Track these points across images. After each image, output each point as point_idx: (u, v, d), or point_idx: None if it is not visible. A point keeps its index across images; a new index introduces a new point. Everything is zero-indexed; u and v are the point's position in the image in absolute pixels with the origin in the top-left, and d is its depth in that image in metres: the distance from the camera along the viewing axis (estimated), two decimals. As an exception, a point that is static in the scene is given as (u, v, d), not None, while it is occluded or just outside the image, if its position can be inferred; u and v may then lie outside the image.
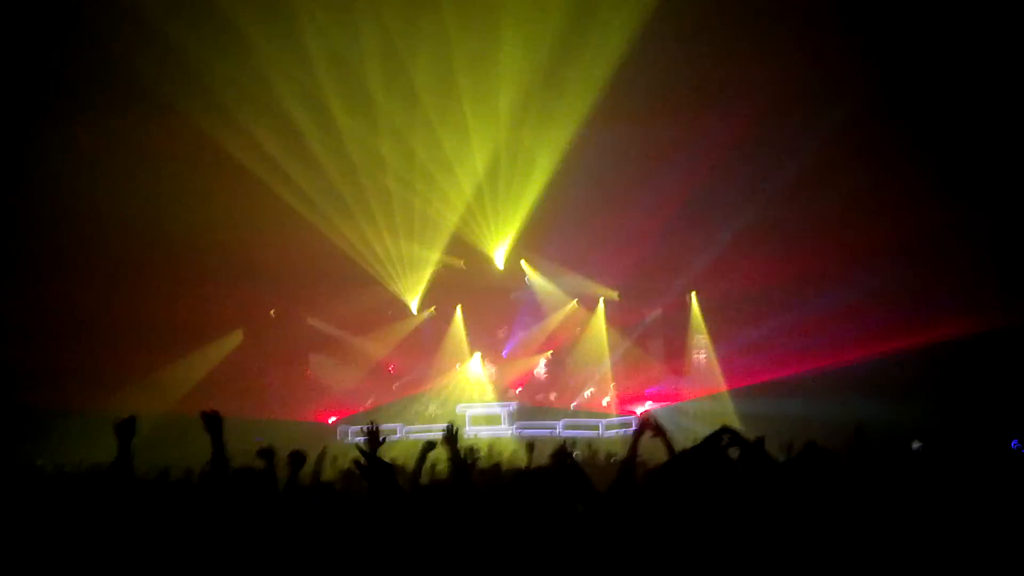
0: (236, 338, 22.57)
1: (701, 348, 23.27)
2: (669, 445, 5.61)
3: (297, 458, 5.61)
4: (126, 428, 4.74)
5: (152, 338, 19.34)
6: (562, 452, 5.65)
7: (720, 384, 21.97)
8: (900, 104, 16.34)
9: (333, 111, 16.86)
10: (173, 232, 18.41)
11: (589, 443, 13.47)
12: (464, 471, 5.03)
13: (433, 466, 6.58)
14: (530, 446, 8.06)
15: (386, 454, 5.25)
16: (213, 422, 4.90)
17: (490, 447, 13.85)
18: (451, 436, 5.19)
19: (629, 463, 5.65)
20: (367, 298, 23.22)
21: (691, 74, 16.22)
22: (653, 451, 5.97)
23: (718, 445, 4.99)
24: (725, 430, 5.02)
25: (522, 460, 8.55)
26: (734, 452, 5.05)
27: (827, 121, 16.46)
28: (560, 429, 21.12)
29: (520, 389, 24.15)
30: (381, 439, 5.15)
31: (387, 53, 15.80)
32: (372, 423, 5.24)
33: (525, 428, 21.60)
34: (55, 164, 16.45)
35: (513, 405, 22.95)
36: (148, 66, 14.58)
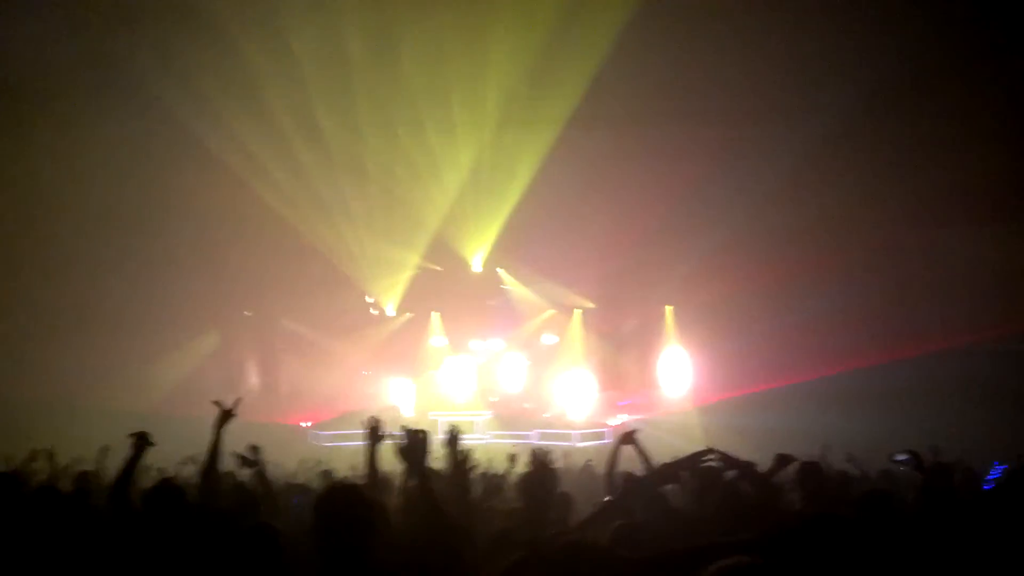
0: (212, 339, 22.46)
1: (675, 361, 23.37)
2: (646, 458, 5.69)
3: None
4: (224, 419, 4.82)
5: (131, 335, 19.30)
6: (541, 457, 5.70)
7: (692, 398, 22.08)
8: (885, 111, 16.39)
9: (315, 108, 16.75)
10: (151, 228, 18.35)
11: (565, 453, 13.49)
12: (464, 473, 4.95)
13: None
14: (511, 457, 8.13)
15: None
16: (225, 419, 4.88)
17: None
18: (453, 439, 4.99)
19: (609, 473, 5.72)
20: (344, 301, 23.15)
21: (672, 81, 16.26)
22: (629, 464, 6.03)
23: (700, 461, 5.10)
24: (712, 451, 5.13)
25: (497, 469, 8.57)
26: (729, 473, 5.16)
27: (809, 128, 16.51)
28: (535, 438, 21.11)
29: (494, 398, 24.13)
30: (380, 434, 4.93)
31: (374, 51, 15.73)
32: (373, 419, 4.98)
33: (498, 437, 21.50)
34: (35, 158, 16.30)
35: (487, 414, 22.87)
36: (131, 57, 14.55)
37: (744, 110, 16.79)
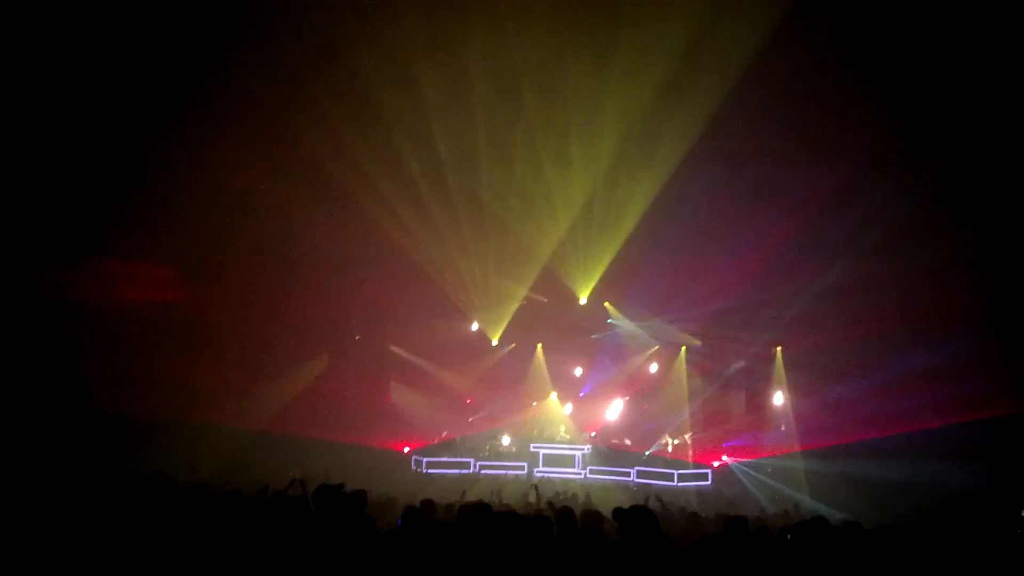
0: (322, 362, 23.06)
1: (782, 404, 22.85)
2: None
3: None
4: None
5: (244, 357, 19.97)
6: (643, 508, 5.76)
7: (798, 442, 21.45)
8: (1001, 167, 15.85)
9: (435, 141, 17.05)
10: (269, 256, 18.97)
11: (658, 496, 13.18)
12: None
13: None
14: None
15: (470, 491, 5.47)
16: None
17: (558, 493, 13.73)
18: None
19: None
20: (451, 329, 23.48)
21: (786, 127, 16.10)
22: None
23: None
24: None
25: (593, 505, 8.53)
26: None
27: (922, 181, 16.08)
28: (633, 476, 20.88)
29: (595, 433, 23.98)
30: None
31: (495, 88, 15.99)
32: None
33: (597, 473, 21.37)
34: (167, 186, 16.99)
35: (587, 448, 22.75)
36: (262, 98, 15.13)
37: (858, 153, 16.41)
